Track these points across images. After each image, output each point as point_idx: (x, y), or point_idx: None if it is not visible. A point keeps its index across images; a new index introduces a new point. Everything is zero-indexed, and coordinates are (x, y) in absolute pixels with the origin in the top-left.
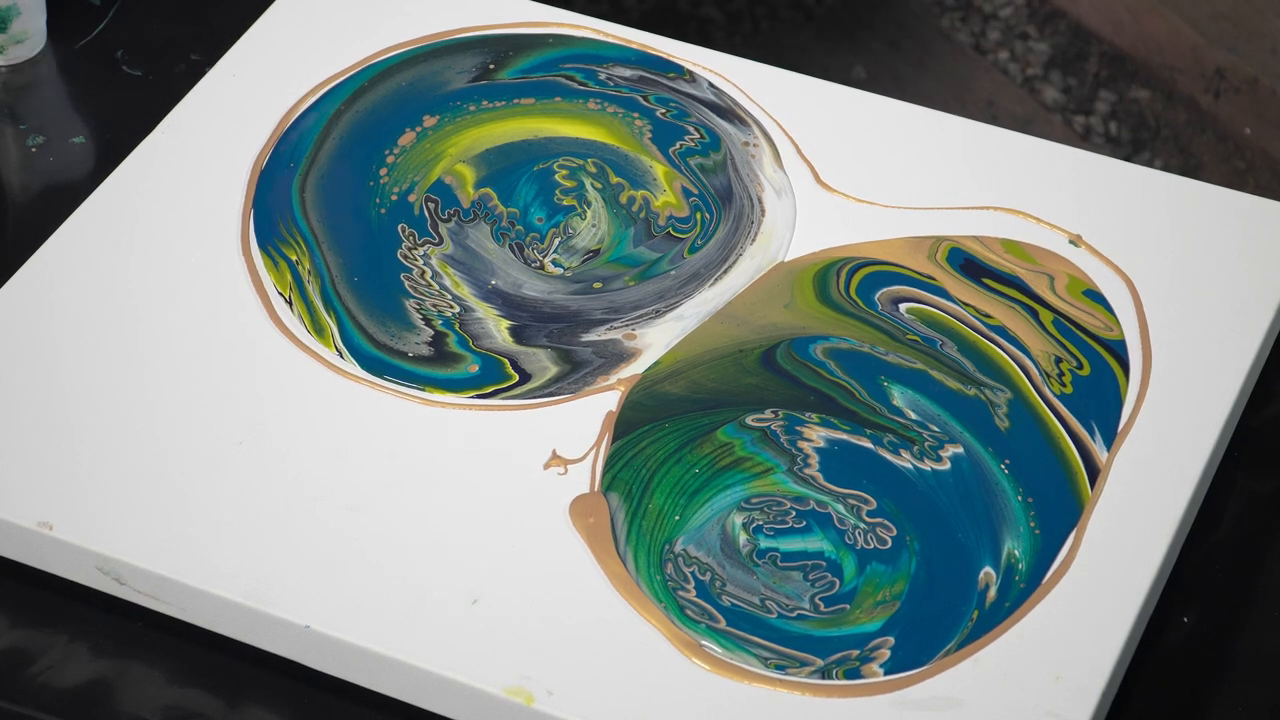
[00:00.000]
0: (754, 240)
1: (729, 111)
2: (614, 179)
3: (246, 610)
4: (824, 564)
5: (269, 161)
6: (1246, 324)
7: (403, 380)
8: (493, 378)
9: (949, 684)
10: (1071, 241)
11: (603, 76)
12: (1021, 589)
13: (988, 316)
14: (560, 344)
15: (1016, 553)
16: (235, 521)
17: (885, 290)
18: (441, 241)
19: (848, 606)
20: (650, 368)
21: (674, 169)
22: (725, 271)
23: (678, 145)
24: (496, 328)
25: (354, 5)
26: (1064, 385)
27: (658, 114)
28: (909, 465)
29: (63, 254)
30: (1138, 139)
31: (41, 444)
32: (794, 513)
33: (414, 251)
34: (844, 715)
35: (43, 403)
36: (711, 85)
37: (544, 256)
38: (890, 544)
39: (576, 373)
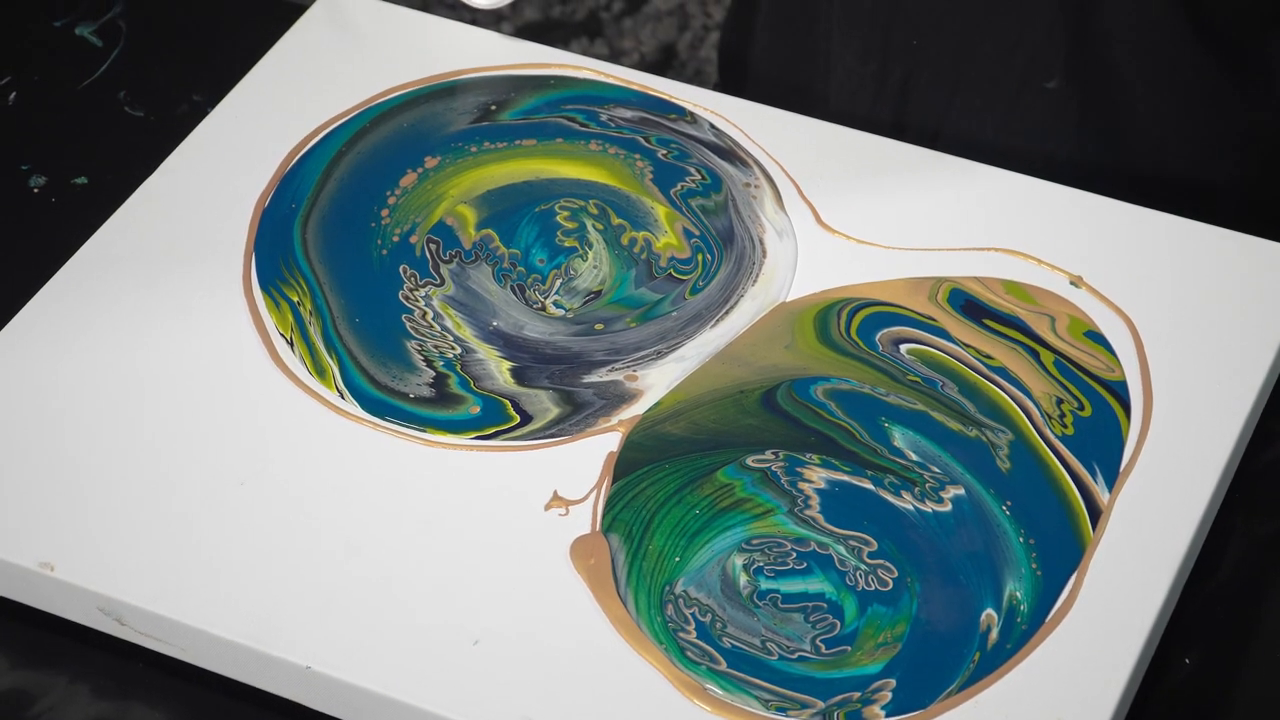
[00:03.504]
0: (755, 281)
1: (730, 153)
2: (615, 220)
3: (248, 651)
4: (825, 605)
5: (270, 202)
6: (1248, 365)
7: (404, 421)
8: (494, 419)
9: None
10: (1072, 283)
11: (604, 118)
12: (1023, 630)
13: (989, 358)
14: (562, 385)
15: (1018, 594)
16: (237, 562)
17: (886, 331)
18: (443, 283)
19: (849, 648)
20: (651, 409)
21: (675, 210)
22: (726, 313)
23: (679, 186)
24: (498, 369)
25: (356, 46)
26: (1065, 426)
27: (659, 155)
28: (910, 507)
29: (64, 295)
30: None
31: (43, 484)
32: (795, 554)
33: (415, 293)
34: None
35: (45, 442)
36: (712, 126)
37: (545, 298)
38: (891, 585)
39: (578, 414)
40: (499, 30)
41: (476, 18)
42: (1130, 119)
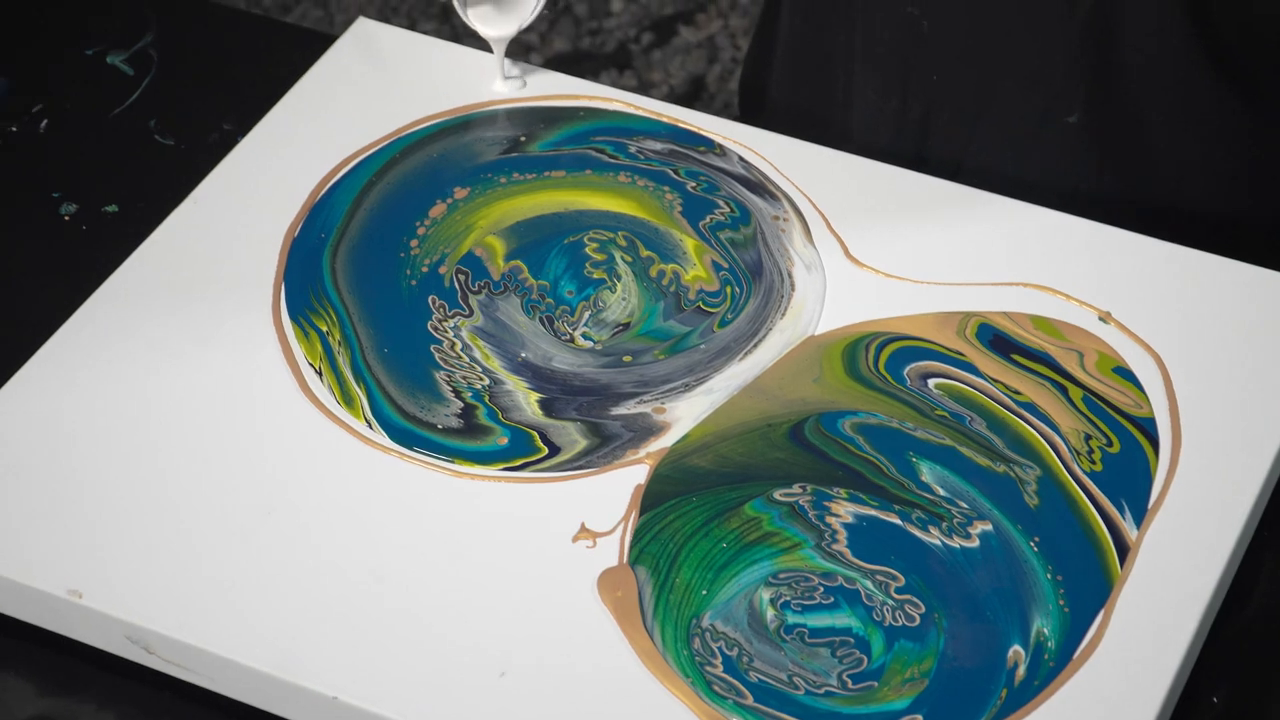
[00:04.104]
0: (784, 315)
1: (759, 185)
2: (644, 252)
3: (275, 680)
4: (852, 640)
5: (300, 232)
6: (1276, 401)
7: (432, 452)
8: (522, 450)
9: None
10: (1101, 318)
11: (633, 150)
12: (1050, 667)
13: (1017, 393)
14: (589, 417)
15: (1045, 631)
16: (264, 591)
17: (914, 365)
18: (472, 313)
19: (876, 684)
20: (678, 441)
21: (704, 243)
22: (755, 346)
23: (708, 219)
24: (526, 400)
25: (385, 77)
26: (1094, 463)
27: (688, 187)
28: (937, 542)
29: (94, 322)
30: None
31: (72, 512)
32: (822, 588)
33: (444, 323)
34: None
35: (73, 470)
36: (742, 159)
37: (574, 329)
38: (919, 621)
39: (605, 446)
40: (528, 61)
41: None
42: (1151, 153)
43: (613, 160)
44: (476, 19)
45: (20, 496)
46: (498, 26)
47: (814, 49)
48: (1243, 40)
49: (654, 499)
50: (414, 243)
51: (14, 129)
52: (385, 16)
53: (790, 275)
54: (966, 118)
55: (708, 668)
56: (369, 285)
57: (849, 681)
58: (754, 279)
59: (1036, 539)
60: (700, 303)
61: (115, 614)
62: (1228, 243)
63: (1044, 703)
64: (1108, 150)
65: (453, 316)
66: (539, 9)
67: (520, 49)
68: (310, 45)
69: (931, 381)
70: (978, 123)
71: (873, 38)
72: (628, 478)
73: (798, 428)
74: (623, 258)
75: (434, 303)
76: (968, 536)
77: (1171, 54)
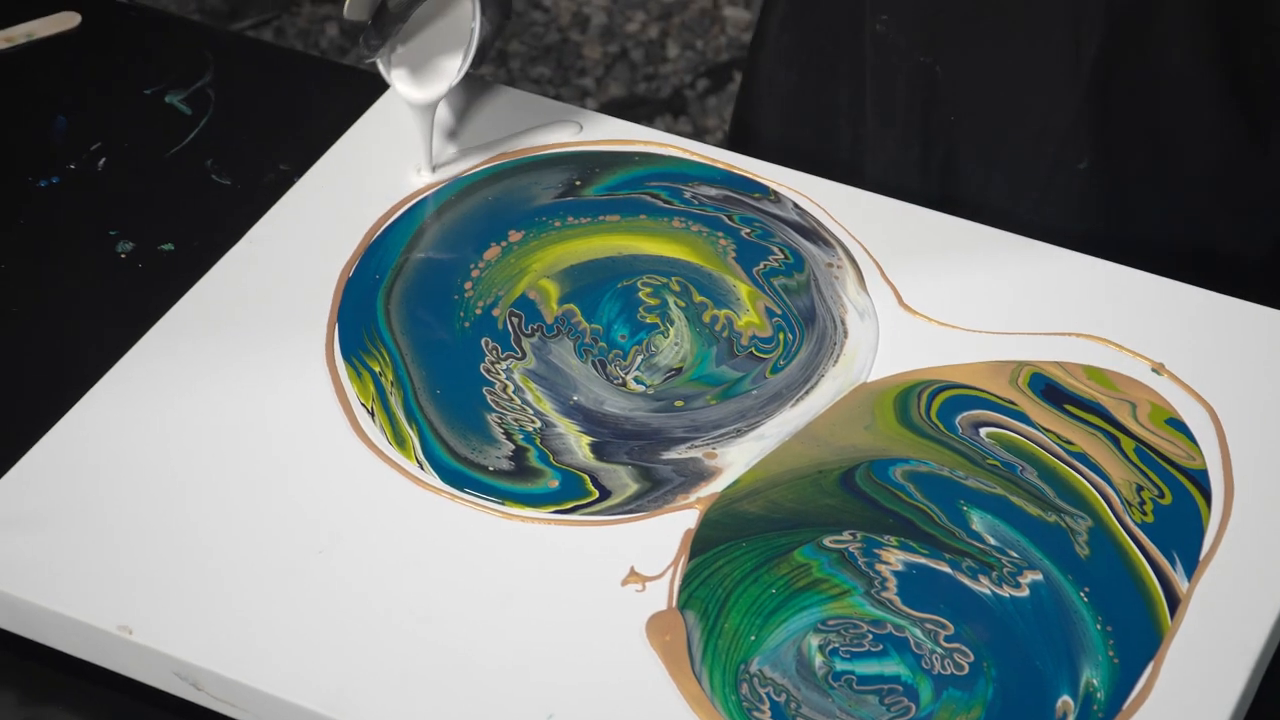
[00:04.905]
0: (836, 362)
1: (813, 232)
2: (697, 298)
3: None
4: (900, 688)
5: (355, 272)
6: None
7: (483, 494)
8: (572, 494)
9: None
10: (1154, 369)
11: (688, 195)
12: (1099, 719)
13: (1069, 443)
14: (641, 461)
15: (1095, 682)
16: (314, 630)
17: (966, 414)
18: (524, 356)
19: None
20: (729, 487)
21: (757, 289)
22: (807, 392)
23: (762, 265)
24: (577, 444)
25: (442, 119)
26: (1145, 514)
27: (742, 233)
28: (987, 591)
29: (148, 360)
30: None
31: (122, 548)
32: (871, 636)
33: (497, 366)
34: None
35: (125, 507)
36: (796, 206)
37: (626, 374)
38: (967, 670)
39: (656, 490)
40: (584, 106)
41: (560, 93)
42: (1163, 198)
43: (667, 205)
44: (399, 81)
45: (73, 531)
46: (422, 89)
47: (811, 102)
48: (1257, 80)
49: (704, 544)
50: (468, 285)
51: (72, 166)
52: None
53: (843, 322)
54: (984, 163)
55: (755, 714)
56: (422, 327)
57: None
58: (807, 325)
59: (1087, 589)
60: (753, 348)
61: (165, 650)
62: (1239, 282)
63: None
64: (1118, 196)
65: (505, 359)
66: (465, 71)
67: (576, 94)
68: (367, 87)
69: (983, 430)
70: (993, 169)
71: (887, 91)
72: (678, 522)
73: (849, 474)
74: (676, 303)
75: (487, 345)
76: (1018, 586)
77: (1179, 98)
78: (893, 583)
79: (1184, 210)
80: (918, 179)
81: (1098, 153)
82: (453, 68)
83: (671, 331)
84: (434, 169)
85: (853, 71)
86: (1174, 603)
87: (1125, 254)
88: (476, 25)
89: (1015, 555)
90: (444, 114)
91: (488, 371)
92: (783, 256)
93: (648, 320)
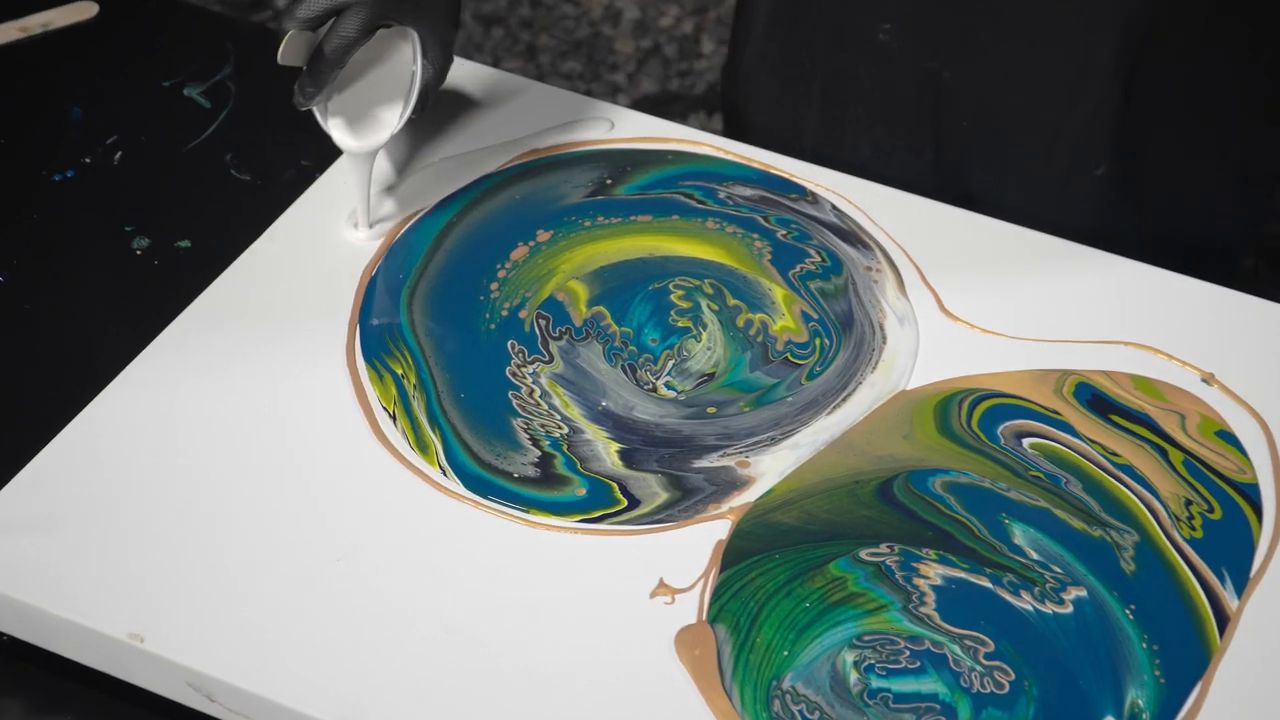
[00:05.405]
0: (874, 368)
1: (851, 234)
2: (731, 301)
3: None
4: (938, 707)
5: (377, 272)
6: None
7: (507, 501)
8: (600, 502)
9: None
10: (1204, 380)
11: (722, 195)
12: None
13: (1115, 455)
14: (671, 469)
15: (1140, 702)
16: (332, 640)
17: (1008, 424)
18: (552, 360)
19: None
20: (762, 496)
21: (793, 292)
22: (844, 400)
23: (798, 268)
24: (606, 450)
25: (468, 114)
26: (1194, 529)
27: (778, 235)
28: (1029, 607)
29: (162, 361)
30: None
31: (134, 553)
32: (908, 652)
33: (523, 369)
34: None
35: (138, 512)
36: (834, 207)
37: (657, 379)
38: (1008, 689)
39: (687, 500)
40: (615, 102)
41: (591, 89)
42: (1182, 198)
43: (701, 205)
44: (336, 129)
45: (83, 535)
46: (361, 138)
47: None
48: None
49: (735, 555)
50: (494, 285)
51: (87, 160)
52: (468, 54)
53: (882, 328)
54: (997, 170)
55: None
56: (447, 328)
57: None
58: (844, 331)
59: (1132, 606)
60: (788, 354)
61: (177, 659)
62: (1252, 275)
63: None
64: (1138, 201)
65: (532, 362)
66: (406, 117)
67: (607, 90)
68: None
69: (1026, 441)
70: (1008, 174)
71: (895, 96)
72: (709, 533)
73: (886, 485)
74: (709, 306)
75: (513, 348)
76: (1061, 602)
77: (1202, 98)
78: (931, 597)
79: (1206, 212)
80: (935, 183)
81: (1116, 158)
82: (393, 115)
83: (704, 336)
84: (371, 225)
85: (862, 75)
86: (1223, 621)
87: (1152, 256)
88: (418, 69)
89: (1059, 570)
90: (470, 107)
91: (514, 375)
92: (820, 259)
93: (680, 324)
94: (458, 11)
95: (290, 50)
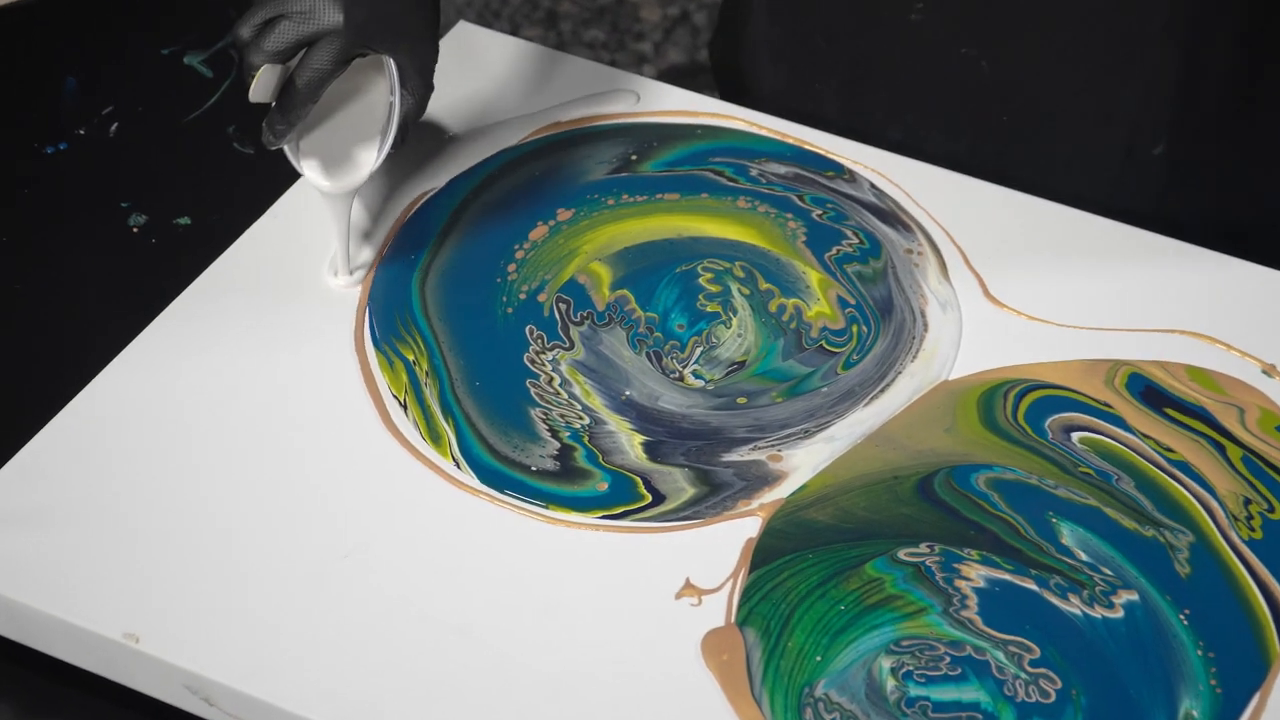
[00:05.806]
0: (915, 357)
1: (891, 215)
2: (763, 285)
3: None
4: (979, 717)
5: (388, 253)
6: None
7: (524, 496)
8: (623, 497)
9: None
10: (1265, 371)
11: (754, 173)
12: None
13: (1169, 450)
14: (698, 463)
15: (1195, 712)
16: (338, 641)
17: (1057, 417)
18: (572, 346)
19: None
20: (795, 492)
21: (829, 276)
22: (882, 390)
23: (834, 250)
24: (629, 443)
25: (485, 84)
26: (1253, 529)
27: (813, 215)
28: (1078, 611)
29: (160, 345)
30: None
31: (130, 548)
32: (948, 658)
33: (542, 356)
34: None
35: (133, 504)
36: (873, 186)
37: (684, 367)
38: (1054, 697)
39: (715, 495)
40: (641, 73)
41: (616, 59)
42: (1242, 178)
43: (731, 183)
44: (310, 170)
45: (76, 530)
46: (338, 178)
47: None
48: None
49: (766, 555)
50: (511, 267)
51: (81, 132)
52: (485, 20)
53: (923, 314)
54: (1044, 149)
55: None
56: (461, 312)
57: None
58: (883, 317)
59: (1187, 611)
60: (823, 341)
61: (175, 661)
62: None
63: None
64: (1197, 178)
65: (552, 349)
66: (386, 152)
67: (633, 60)
68: None
69: (1075, 435)
70: (1055, 160)
71: (928, 84)
72: (738, 531)
73: (927, 481)
74: (739, 290)
75: (531, 333)
76: (1111, 606)
77: (1256, 68)
78: (973, 600)
79: (1270, 193)
80: (968, 173)
81: (1175, 137)
82: (371, 151)
83: (734, 321)
84: (352, 271)
85: (893, 63)
86: None
87: (1209, 244)
88: (397, 99)
89: (1109, 573)
90: (488, 77)
91: (532, 362)
92: (858, 241)
93: (708, 309)
94: (437, 34)
95: (261, 87)
